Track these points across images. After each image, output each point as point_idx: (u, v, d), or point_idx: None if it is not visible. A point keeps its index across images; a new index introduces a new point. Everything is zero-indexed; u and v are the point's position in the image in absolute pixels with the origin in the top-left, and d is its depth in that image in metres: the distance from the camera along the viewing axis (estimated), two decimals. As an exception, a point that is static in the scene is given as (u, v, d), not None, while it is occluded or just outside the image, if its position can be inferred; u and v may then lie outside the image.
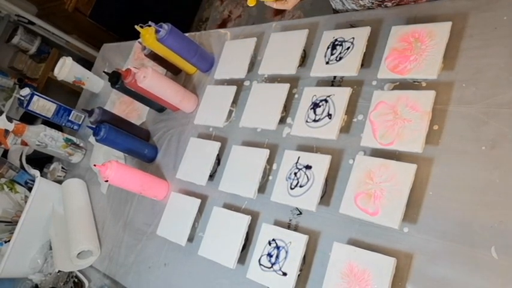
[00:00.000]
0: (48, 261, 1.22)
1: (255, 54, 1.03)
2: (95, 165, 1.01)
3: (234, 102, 1.01)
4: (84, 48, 2.55)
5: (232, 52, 1.07)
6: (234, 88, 1.00)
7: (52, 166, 1.41)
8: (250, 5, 0.70)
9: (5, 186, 1.30)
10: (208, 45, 1.17)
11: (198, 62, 1.12)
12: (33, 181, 1.26)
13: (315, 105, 0.83)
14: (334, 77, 0.86)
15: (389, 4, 0.84)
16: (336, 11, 0.96)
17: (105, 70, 1.42)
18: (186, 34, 1.14)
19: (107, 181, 0.96)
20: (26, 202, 1.22)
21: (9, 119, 1.25)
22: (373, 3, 0.85)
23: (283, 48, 0.95)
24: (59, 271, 1.18)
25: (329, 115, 0.81)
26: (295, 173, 0.80)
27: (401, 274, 0.65)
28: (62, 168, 1.40)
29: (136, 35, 1.08)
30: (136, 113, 1.28)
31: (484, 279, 0.58)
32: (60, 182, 1.32)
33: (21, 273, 1.22)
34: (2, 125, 1.22)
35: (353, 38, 0.83)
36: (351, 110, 0.81)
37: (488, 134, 0.64)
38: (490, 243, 0.59)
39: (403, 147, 0.70)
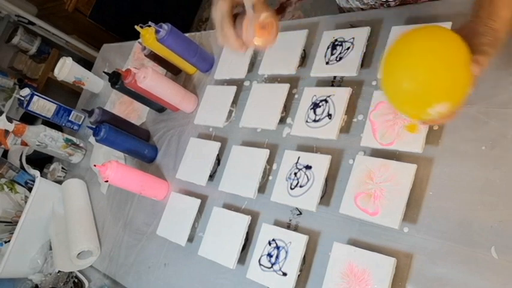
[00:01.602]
0: (48, 261, 1.22)
1: (255, 54, 1.03)
2: (95, 165, 1.01)
3: (234, 102, 1.01)
4: (84, 48, 2.55)
5: (233, 52, 1.07)
6: (234, 88, 1.00)
7: (52, 166, 1.41)
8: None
9: (5, 187, 1.30)
10: (208, 45, 1.17)
11: (198, 62, 1.12)
12: (33, 181, 1.26)
13: (315, 105, 0.83)
14: (334, 77, 0.86)
15: (392, 3, 0.84)
16: (340, 8, 0.95)
17: (105, 70, 1.43)
18: (186, 34, 1.14)
19: (106, 181, 0.96)
20: (26, 202, 1.22)
21: (9, 119, 1.25)
22: (376, 1, 0.85)
23: (283, 48, 0.95)
24: (59, 271, 1.18)
25: (329, 115, 0.81)
26: (295, 173, 0.80)
27: (401, 274, 0.65)
28: (62, 168, 1.40)
29: (136, 35, 1.08)
30: (136, 113, 1.29)
31: (484, 279, 0.58)
32: (60, 182, 1.32)
33: (21, 273, 1.22)
34: (2, 125, 1.22)
35: (353, 38, 0.83)
36: (351, 110, 0.81)
37: (488, 134, 0.64)
38: (490, 243, 0.59)
39: (403, 147, 0.70)
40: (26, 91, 1.35)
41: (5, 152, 1.59)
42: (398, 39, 0.55)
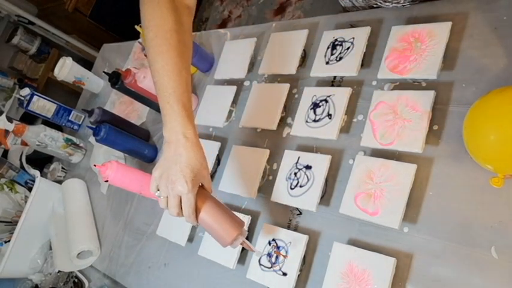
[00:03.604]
0: (48, 261, 1.22)
1: (255, 54, 1.03)
2: (95, 165, 1.00)
3: (234, 102, 1.01)
4: (84, 48, 2.55)
5: (232, 52, 1.07)
6: (234, 88, 1.00)
7: (52, 166, 1.41)
8: None
9: (5, 186, 1.30)
10: (208, 45, 1.17)
11: (198, 62, 1.12)
12: (33, 181, 1.26)
13: (315, 105, 0.83)
14: (334, 77, 0.86)
15: (389, 5, 0.84)
16: (345, 9, 0.95)
17: (105, 70, 1.43)
18: (186, 34, 1.14)
19: (106, 181, 0.96)
20: (26, 202, 1.22)
21: (9, 119, 1.25)
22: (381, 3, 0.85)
23: (283, 48, 0.95)
24: (59, 271, 1.18)
25: (329, 115, 0.81)
26: (295, 173, 0.80)
27: (401, 274, 0.65)
28: (62, 168, 1.40)
29: (136, 35, 1.08)
30: (136, 113, 1.29)
31: (484, 279, 0.58)
32: (60, 182, 1.32)
33: (21, 273, 1.22)
34: (2, 125, 1.22)
35: (353, 38, 0.83)
36: (351, 110, 0.81)
37: (488, 134, 0.64)
38: (490, 243, 0.59)
39: (403, 147, 0.70)
40: (26, 91, 1.35)
41: (5, 152, 1.59)
42: (494, 95, 0.58)
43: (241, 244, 0.71)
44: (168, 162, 0.67)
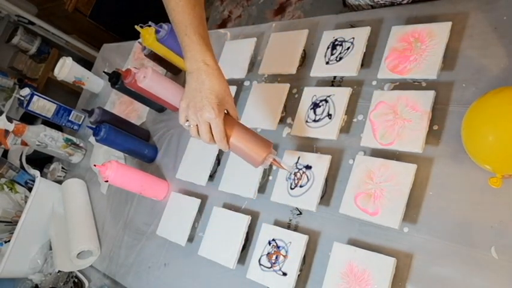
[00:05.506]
0: (48, 261, 1.22)
1: (255, 54, 1.03)
2: (95, 165, 1.01)
3: (234, 102, 1.01)
4: (84, 48, 2.55)
5: (232, 52, 1.07)
6: (234, 88, 1.00)
7: (52, 166, 1.41)
8: None
9: (5, 186, 1.30)
10: (208, 45, 1.17)
11: (198, 62, 1.12)
12: (33, 181, 1.26)
13: (315, 105, 0.83)
14: (334, 77, 0.86)
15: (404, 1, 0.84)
16: (351, 7, 0.95)
17: (105, 70, 1.43)
18: (186, 34, 1.14)
19: (107, 181, 0.96)
20: (26, 202, 1.22)
21: (9, 119, 1.25)
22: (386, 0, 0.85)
23: (283, 48, 0.95)
24: (59, 271, 1.18)
25: (329, 115, 0.81)
26: (295, 173, 0.80)
27: (401, 274, 0.65)
28: (62, 168, 1.40)
29: (136, 35, 1.08)
30: (136, 113, 1.29)
31: (484, 279, 0.58)
32: (60, 182, 1.32)
33: (21, 273, 1.22)
34: (2, 125, 1.22)
35: (353, 38, 0.83)
36: (351, 110, 0.81)
37: (488, 134, 0.64)
38: (490, 243, 0.59)
39: (403, 147, 0.70)
40: (26, 91, 1.35)
41: (5, 152, 1.59)
42: (492, 95, 0.58)
43: (272, 163, 0.74)
44: (193, 92, 0.69)
